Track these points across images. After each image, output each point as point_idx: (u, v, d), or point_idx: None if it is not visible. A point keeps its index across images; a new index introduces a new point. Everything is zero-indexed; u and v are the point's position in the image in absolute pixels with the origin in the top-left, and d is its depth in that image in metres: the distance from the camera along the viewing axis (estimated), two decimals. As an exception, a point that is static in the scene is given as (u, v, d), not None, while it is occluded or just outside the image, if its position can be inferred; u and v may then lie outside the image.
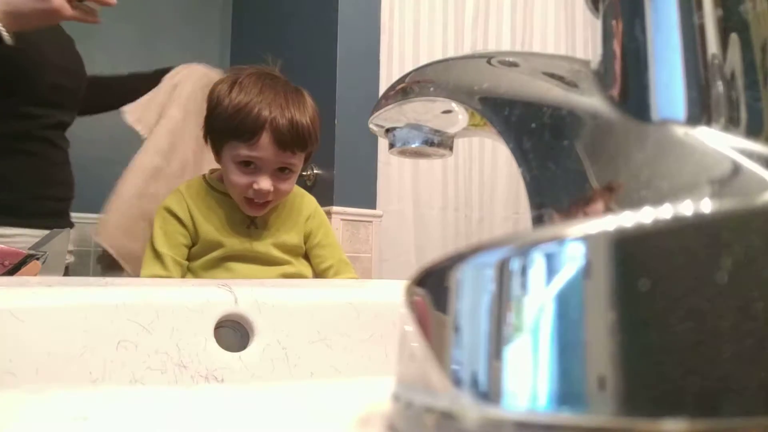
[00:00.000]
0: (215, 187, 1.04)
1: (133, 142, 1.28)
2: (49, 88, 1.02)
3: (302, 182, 1.79)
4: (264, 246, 1.02)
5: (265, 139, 0.94)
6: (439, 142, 0.27)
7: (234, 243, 1.00)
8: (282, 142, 0.95)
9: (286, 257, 1.04)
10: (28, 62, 0.93)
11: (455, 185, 2.05)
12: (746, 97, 0.17)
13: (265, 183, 0.96)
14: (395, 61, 1.94)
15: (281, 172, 0.99)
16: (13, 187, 1.02)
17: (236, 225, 1.01)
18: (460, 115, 0.25)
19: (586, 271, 0.13)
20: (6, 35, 0.85)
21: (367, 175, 1.85)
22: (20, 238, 0.94)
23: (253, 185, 0.96)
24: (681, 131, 0.17)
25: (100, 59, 2.39)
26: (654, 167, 0.17)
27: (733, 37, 0.17)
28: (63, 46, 1.02)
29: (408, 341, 0.17)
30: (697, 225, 0.13)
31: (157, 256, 0.98)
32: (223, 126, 0.96)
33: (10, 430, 0.20)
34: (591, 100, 0.20)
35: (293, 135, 0.95)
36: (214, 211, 1.02)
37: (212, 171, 1.09)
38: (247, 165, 0.96)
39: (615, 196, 0.18)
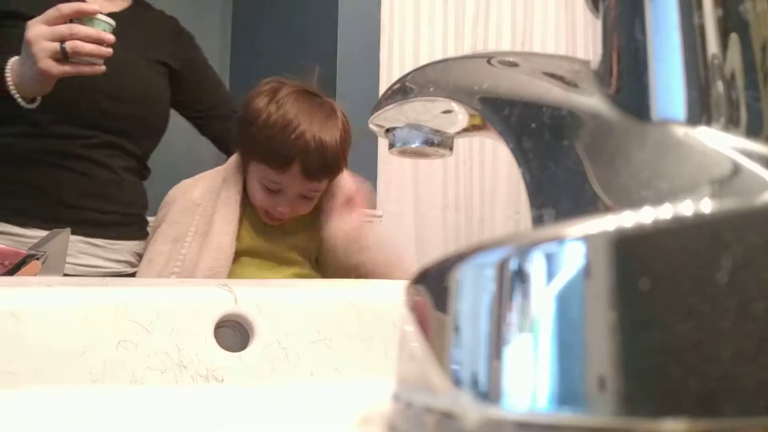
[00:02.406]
0: None
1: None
2: (88, 111, 1.07)
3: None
4: (278, 246, 1.03)
5: (295, 169, 0.93)
6: (439, 142, 0.27)
7: (249, 238, 1.01)
8: (310, 174, 0.94)
9: (299, 258, 1.04)
10: (64, 86, 0.95)
11: (455, 185, 2.05)
12: (746, 97, 0.17)
13: (285, 208, 0.97)
14: (395, 61, 1.94)
15: (303, 197, 0.99)
16: (40, 194, 1.06)
17: (253, 221, 1.02)
18: (460, 115, 0.25)
19: (586, 271, 0.13)
20: (22, 101, 0.93)
21: (367, 175, 1.85)
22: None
23: (275, 206, 0.97)
24: (681, 131, 0.17)
25: (100, 59, 2.40)
26: (654, 167, 0.17)
27: (733, 37, 0.17)
28: (118, 73, 1.02)
29: (408, 341, 0.17)
30: (697, 225, 0.13)
31: None
32: (255, 148, 0.96)
33: (10, 430, 0.20)
34: (591, 100, 0.20)
35: (322, 166, 0.94)
36: None
37: None
38: (272, 188, 0.96)
39: (615, 196, 0.18)
